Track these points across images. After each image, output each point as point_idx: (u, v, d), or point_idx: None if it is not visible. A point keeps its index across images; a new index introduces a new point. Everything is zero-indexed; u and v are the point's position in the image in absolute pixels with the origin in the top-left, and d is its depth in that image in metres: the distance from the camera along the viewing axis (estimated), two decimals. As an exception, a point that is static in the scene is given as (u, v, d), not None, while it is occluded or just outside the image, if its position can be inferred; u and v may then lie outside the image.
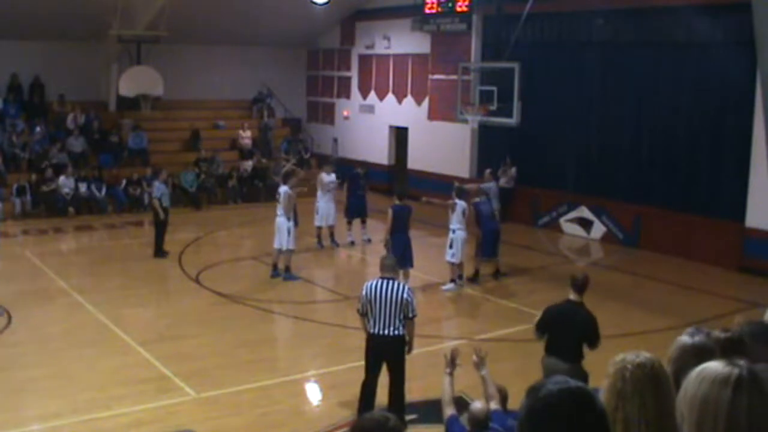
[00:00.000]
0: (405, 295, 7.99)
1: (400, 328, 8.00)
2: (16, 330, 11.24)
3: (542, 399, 1.92)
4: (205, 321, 11.97)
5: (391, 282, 8.07)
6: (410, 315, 8.04)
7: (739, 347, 3.90)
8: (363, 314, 8.14)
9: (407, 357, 8.27)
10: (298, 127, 26.22)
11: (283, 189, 14.24)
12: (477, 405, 6.07)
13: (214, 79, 24.11)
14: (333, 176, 16.77)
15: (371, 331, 8.06)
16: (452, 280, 13.76)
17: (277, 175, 18.26)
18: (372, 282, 8.12)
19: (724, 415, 1.96)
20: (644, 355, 2.38)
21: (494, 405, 5.97)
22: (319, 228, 16.57)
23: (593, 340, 7.64)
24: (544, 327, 7.81)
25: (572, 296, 7.92)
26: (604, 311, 12.84)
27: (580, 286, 7.92)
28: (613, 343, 10.85)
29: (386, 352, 8.09)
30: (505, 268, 14.74)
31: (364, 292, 8.08)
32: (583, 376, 6.36)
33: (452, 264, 13.64)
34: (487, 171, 15.89)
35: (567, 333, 7.63)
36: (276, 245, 14.25)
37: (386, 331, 7.97)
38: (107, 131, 22.10)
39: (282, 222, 14.08)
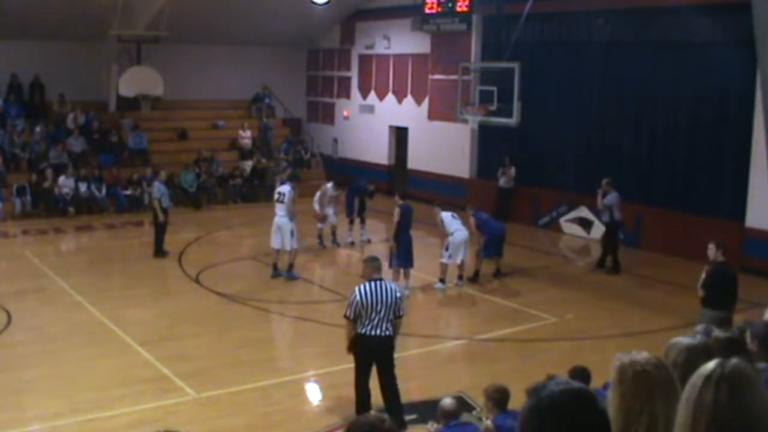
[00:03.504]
0: (398, 295, 8.11)
1: (390, 328, 8.04)
2: (16, 330, 11.24)
3: (544, 399, 1.92)
4: (205, 321, 11.97)
5: (383, 284, 8.08)
6: (400, 314, 8.11)
7: (740, 347, 3.91)
8: (353, 319, 8.03)
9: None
10: (298, 127, 26.22)
11: (287, 189, 14.22)
12: (447, 400, 6.35)
13: (214, 79, 24.10)
14: (336, 192, 16.73)
15: (362, 331, 8.00)
16: (441, 279, 13.78)
17: (277, 175, 18.26)
18: (365, 286, 8.01)
19: (690, 409, 1.97)
20: (654, 356, 2.37)
21: None
22: (321, 228, 16.57)
23: (733, 295, 9.42)
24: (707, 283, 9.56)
25: (722, 257, 9.54)
26: (604, 311, 12.94)
27: (726, 247, 9.65)
28: (613, 343, 10.89)
29: (377, 353, 8.10)
30: (505, 268, 14.75)
31: (358, 298, 7.94)
32: (587, 376, 6.38)
33: (444, 264, 13.66)
34: (605, 181, 15.19)
35: (718, 287, 9.39)
36: (276, 246, 14.22)
37: (378, 332, 7.97)
38: (107, 131, 22.11)
39: (285, 222, 14.03)
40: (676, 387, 2.29)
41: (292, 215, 14.06)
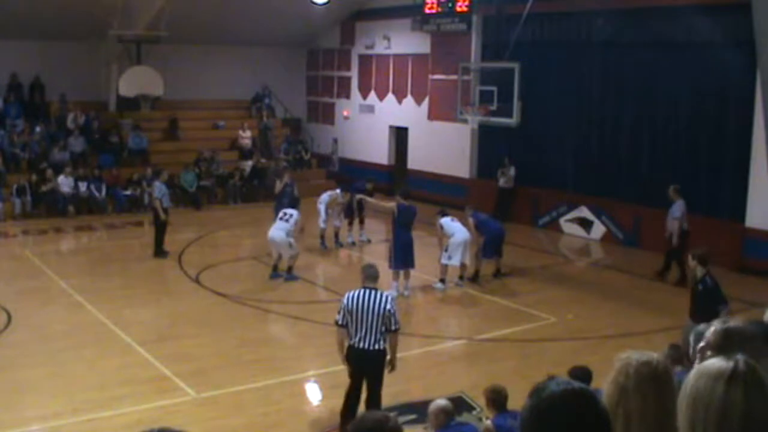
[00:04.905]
0: (388, 307, 7.65)
1: (381, 341, 7.69)
2: (16, 330, 11.24)
3: (546, 399, 1.93)
4: (205, 321, 11.97)
5: (373, 292, 7.72)
6: (393, 327, 7.70)
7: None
8: (343, 326, 7.76)
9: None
10: (298, 127, 26.21)
11: (297, 213, 14.32)
12: (441, 401, 6.37)
13: (214, 79, 24.09)
14: (344, 199, 16.80)
15: (351, 342, 7.73)
16: (441, 280, 13.81)
17: (277, 176, 18.27)
18: (354, 292, 7.76)
19: (715, 409, 1.95)
20: (650, 354, 2.38)
21: None
22: (324, 230, 16.58)
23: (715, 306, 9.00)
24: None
25: (701, 270, 9.21)
26: (604, 311, 12.94)
27: (702, 257, 9.27)
28: (613, 343, 10.89)
29: (366, 366, 7.82)
30: (505, 268, 14.75)
31: (345, 303, 7.71)
32: (587, 375, 6.38)
33: (444, 265, 13.69)
34: (671, 188, 14.41)
35: (696, 303, 9.18)
36: (274, 255, 14.27)
37: (366, 345, 7.66)
38: (107, 131, 22.11)
39: (282, 238, 13.98)
40: (660, 386, 2.30)
41: (289, 233, 14.07)
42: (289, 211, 14.47)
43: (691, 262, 9.26)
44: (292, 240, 14.11)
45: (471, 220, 14.19)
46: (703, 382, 2.01)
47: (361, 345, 7.68)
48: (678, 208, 14.18)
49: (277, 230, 14.08)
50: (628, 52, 17.23)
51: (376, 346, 7.70)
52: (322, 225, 16.48)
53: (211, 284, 13.82)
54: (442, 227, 13.75)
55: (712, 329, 2.92)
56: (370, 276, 7.91)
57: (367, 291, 7.74)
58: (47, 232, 18.32)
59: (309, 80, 26.64)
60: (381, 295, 7.76)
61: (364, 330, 7.64)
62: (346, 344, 7.86)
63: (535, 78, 18.01)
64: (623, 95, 17.50)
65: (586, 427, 1.93)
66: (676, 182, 16.43)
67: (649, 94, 16.95)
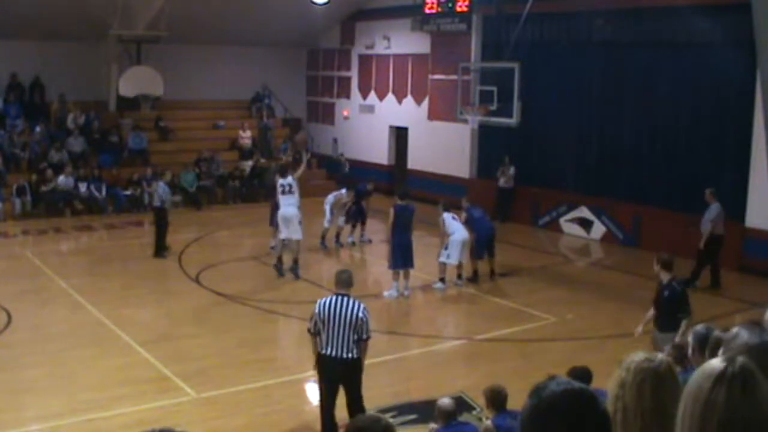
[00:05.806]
0: (360, 315, 7.43)
1: (354, 350, 7.46)
2: (16, 330, 11.24)
3: (545, 399, 1.93)
4: (205, 321, 11.97)
5: (345, 299, 7.50)
6: (364, 336, 7.48)
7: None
8: (315, 333, 7.54)
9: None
10: (298, 127, 26.20)
11: (292, 179, 14.11)
12: (445, 400, 6.40)
13: (214, 79, 24.08)
14: (349, 198, 16.85)
15: (323, 351, 7.49)
16: (441, 279, 13.79)
17: (276, 174, 18.25)
18: (325, 299, 7.60)
19: (700, 407, 1.96)
20: (656, 354, 2.40)
21: None
22: (326, 230, 16.59)
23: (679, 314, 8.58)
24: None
25: (666, 275, 8.72)
26: (604, 311, 12.94)
27: (666, 262, 8.78)
28: (613, 343, 10.90)
29: (340, 376, 7.59)
30: (505, 268, 14.75)
31: (316, 310, 7.50)
32: (588, 376, 6.37)
33: (443, 264, 13.67)
34: (708, 191, 13.93)
35: (662, 310, 8.75)
36: (283, 235, 14.09)
37: (338, 353, 7.42)
38: (107, 131, 22.10)
39: (295, 213, 13.94)
40: (660, 383, 2.31)
41: (299, 207, 14.08)
42: (284, 181, 14.10)
43: (655, 267, 8.83)
44: (301, 216, 14.10)
45: (463, 215, 14.15)
46: (695, 380, 2.02)
47: (333, 353, 7.44)
48: (714, 210, 13.75)
49: (289, 206, 13.96)
50: (628, 52, 17.24)
51: (348, 355, 7.45)
52: (326, 225, 16.47)
53: (211, 284, 13.82)
54: (443, 222, 13.69)
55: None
56: (341, 282, 7.67)
57: (339, 298, 7.52)
58: (47, 232, 18.31)
59: (309, 80, 26.64)
60: (353, 303, 7.52)
61: (334, 338, 7.40)
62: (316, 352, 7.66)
63: (535, 78, 18.02)
64: (623, 95, 17.49)
65: (586, 428, 1.93)
66: (676, 182, 16.48)
67: (649, 94, 16.95)
